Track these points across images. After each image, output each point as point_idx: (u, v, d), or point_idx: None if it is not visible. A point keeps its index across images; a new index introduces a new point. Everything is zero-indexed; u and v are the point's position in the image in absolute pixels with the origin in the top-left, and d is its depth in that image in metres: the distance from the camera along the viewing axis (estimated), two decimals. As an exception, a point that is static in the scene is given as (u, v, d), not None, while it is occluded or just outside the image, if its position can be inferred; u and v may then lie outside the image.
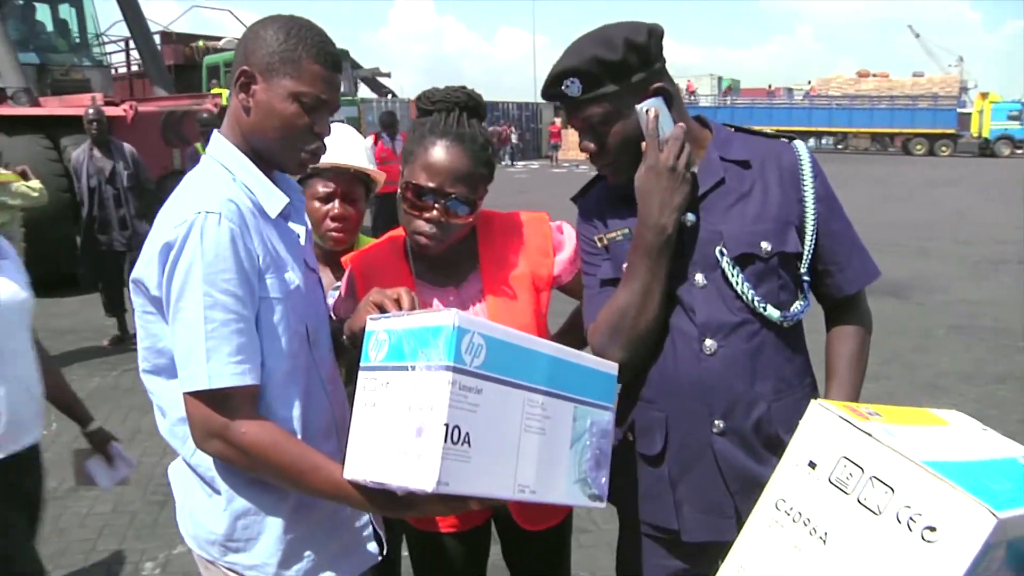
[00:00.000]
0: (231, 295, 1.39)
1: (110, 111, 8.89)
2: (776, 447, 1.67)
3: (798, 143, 1.76)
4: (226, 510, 1.51)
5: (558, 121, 35.75)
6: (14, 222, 6.94)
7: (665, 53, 1.68)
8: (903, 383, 6.03)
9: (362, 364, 1.38)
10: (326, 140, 1.58)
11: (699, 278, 1.67)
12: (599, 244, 1.80)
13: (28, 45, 12.11)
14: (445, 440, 1.19)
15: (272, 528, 1.52)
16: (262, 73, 1.48)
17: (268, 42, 1.48)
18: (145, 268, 1.44)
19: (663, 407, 1.71)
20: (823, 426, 1.20)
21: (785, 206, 1.69)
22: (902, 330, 7.46)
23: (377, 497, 1.35)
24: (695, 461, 1.69)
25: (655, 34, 1.65)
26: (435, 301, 1.86)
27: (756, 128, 1.86)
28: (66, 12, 13.12)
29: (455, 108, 1.79)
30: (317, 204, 2.25)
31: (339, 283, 2.16)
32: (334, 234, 2.27)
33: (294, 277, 1.53)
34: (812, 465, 1.19)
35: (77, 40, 13.23)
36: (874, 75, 46.00)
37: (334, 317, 1.86)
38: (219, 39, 16.10)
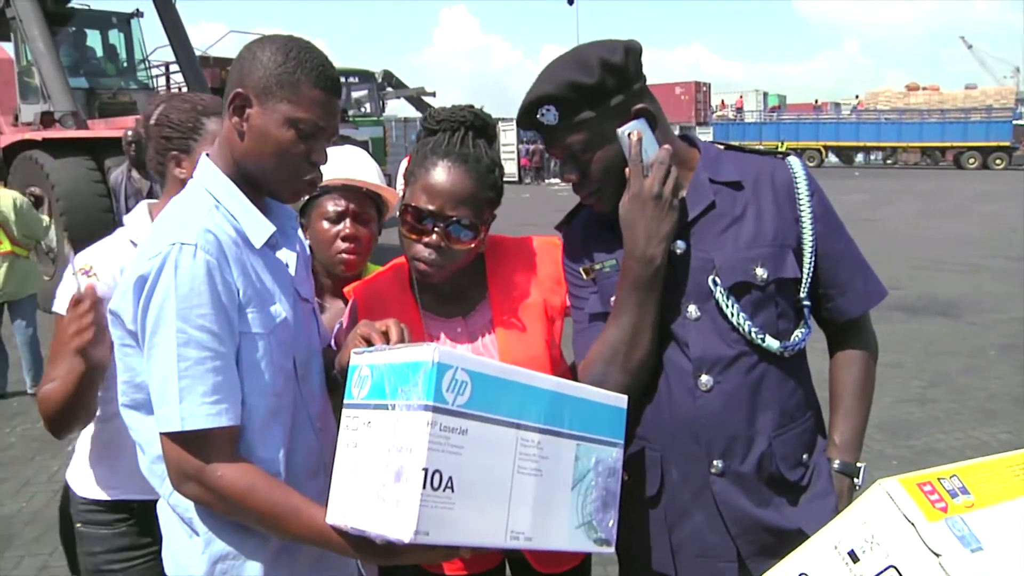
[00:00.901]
0: (206, 331, 1.33)
1: (152, 132, 9.06)
2: (779, 485, 1.58)
3: (792, 159, 1.67)
4: (205, 552, 1.44)
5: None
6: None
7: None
8: (952, 407, 5.80)
9: (345, 401, 1.32)
10: (335, 158, 1.52)
11: (692, 310, 1.58)
12: (585, 276, 1.71)
13: (79, 70, 12.44)
14: (424, 486, 1.12)
15: (252, 573, 1.45)
16: (258, 96, 1.41)
17: (265, 64, 1.41)
18: (121, 300, 1.39)
19: (658, 446, 1.61)
20: (881, 518, 1.00)
21: (781, 228, 1.60)
22: (951, 351, 7.21)
23: (360, 544, 1.28)
24: (693, 503, 1.59)
25: (633, 52, 1.57)
26: (441, 334, 1.78)
27: (748, 145, 1.77)
28: (115, 37, 13.44)
29: (460, 127, 1.71)
30: (327, 224, 2.08)
31: None
32: (345, 256, 2.08)
33: (281, 310, 1.47)
34: (853, 557, 1.01)
35: (125, 64, 13.53)
36: (924, 88, 45.20)
37: (335, 349, 1.79)
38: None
